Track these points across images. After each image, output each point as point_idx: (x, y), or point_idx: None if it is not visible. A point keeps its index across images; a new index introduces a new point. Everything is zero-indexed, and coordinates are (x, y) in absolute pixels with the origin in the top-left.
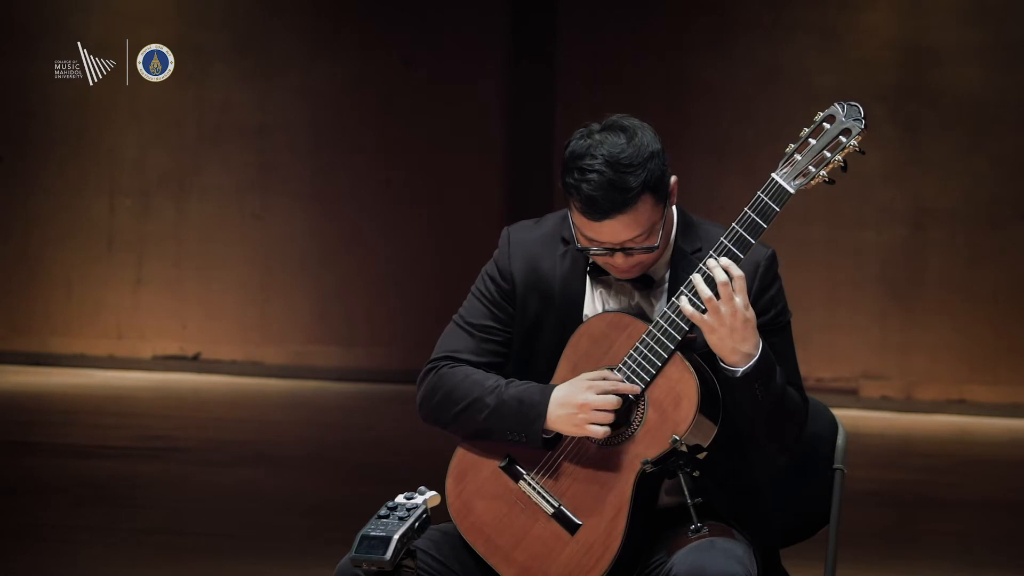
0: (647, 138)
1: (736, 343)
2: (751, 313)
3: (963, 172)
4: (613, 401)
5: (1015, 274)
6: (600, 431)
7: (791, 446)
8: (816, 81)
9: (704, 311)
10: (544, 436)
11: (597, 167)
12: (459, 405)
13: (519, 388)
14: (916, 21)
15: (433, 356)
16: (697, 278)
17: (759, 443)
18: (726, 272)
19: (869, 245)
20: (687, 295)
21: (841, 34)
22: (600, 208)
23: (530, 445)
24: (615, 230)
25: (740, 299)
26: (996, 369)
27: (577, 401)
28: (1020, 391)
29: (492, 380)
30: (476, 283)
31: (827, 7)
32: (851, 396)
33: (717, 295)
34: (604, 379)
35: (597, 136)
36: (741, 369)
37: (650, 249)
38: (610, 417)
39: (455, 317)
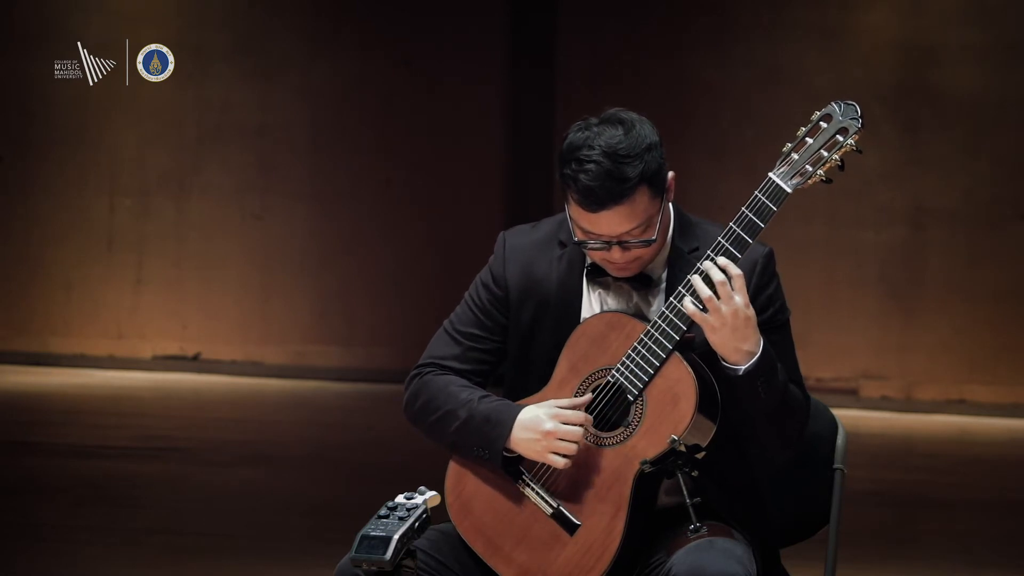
0: (645, 130)
1: (738, 342)
2: (751, 311)
3: (963, 172)
4: (578, 433)
5: (1015, 274)
6: (561, 462)
7: (794, 443)
8: (816, 81)
9: (706, 311)
10: (507, 455)
11: (595, 157)
12: (434, 415)
13: (490, 404)
14: (916, 21)
15: (420, 361)
16: (696, 278)
17: (762, 441)
18: (724, 271)
19: (869, 245)
20: (688, 296)
21: (841, 34)
22: (597, 199)
23: (493, 462)
24: (612, 222)
25: (740, 298)
26: (996, 369)
27: (542, 428)
28: (1020, 391)
29: (468, 393)
30: (470, 289)
31: (827, 7)
32: (851, 396)
33: (717, 295)
34: (574, 408)
35: (595, 128)
36: (743, 367)
37: (647, 243)
38: (573, 448)
39: (445, 323)
